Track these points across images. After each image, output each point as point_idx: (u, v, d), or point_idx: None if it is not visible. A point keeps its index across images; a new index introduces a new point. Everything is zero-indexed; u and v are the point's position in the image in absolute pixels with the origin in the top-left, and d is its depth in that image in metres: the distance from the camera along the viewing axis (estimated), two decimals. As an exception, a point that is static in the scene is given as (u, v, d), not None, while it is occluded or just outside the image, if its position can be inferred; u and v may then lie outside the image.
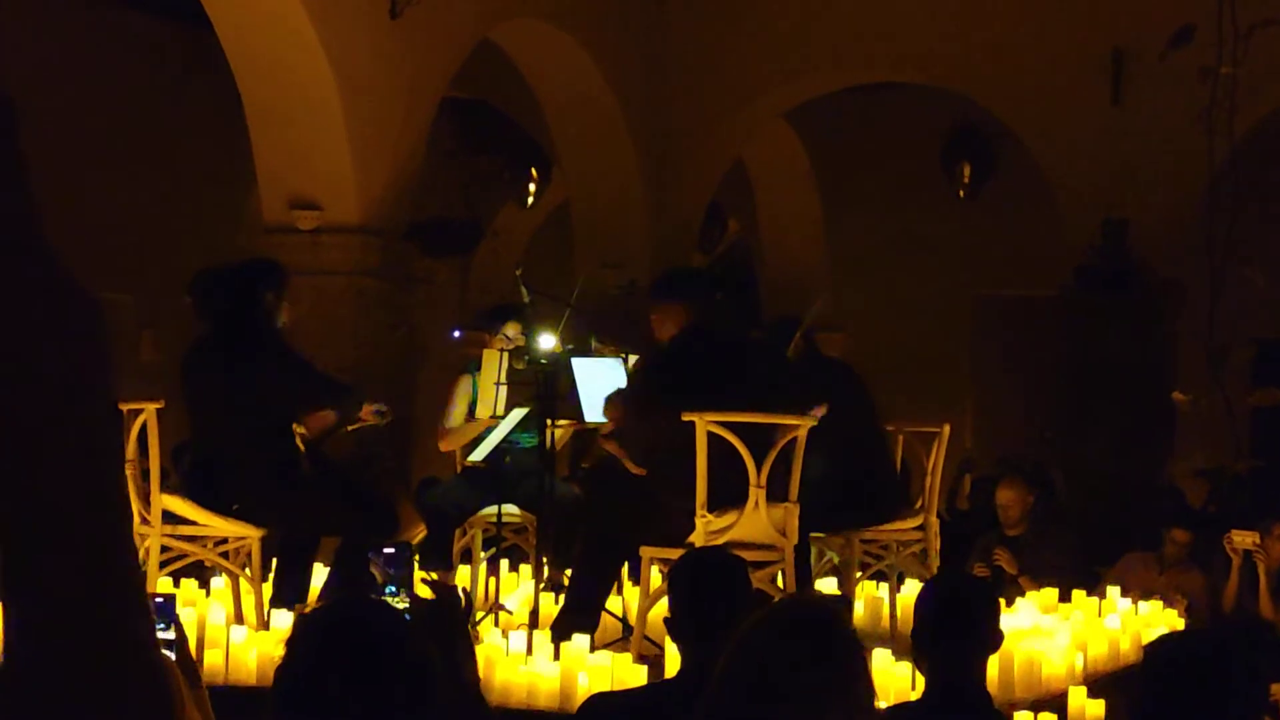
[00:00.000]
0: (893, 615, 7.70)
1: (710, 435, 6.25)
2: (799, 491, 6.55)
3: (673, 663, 5.59)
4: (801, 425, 6.43)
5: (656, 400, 6.49)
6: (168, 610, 4.56)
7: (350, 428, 7.39)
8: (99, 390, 1.39)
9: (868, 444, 7.61)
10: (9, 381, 1.33)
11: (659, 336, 6.76)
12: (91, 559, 1.35)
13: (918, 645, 4.02)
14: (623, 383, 7.10)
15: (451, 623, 3.72)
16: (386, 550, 4.25)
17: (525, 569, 8.35)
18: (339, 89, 10.01)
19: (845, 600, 7.35)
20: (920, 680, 4.11)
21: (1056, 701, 6.28)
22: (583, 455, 10.31)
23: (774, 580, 6.42)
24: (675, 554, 5.64)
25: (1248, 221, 10.57)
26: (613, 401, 6.76)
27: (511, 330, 7.82)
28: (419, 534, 7.27)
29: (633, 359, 7.43)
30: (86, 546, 1.35)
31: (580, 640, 6.19)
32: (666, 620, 4.36)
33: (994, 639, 4.05)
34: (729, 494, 6.32)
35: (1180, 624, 8.19)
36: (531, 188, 15.31)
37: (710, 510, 6.30)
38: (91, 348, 1.38)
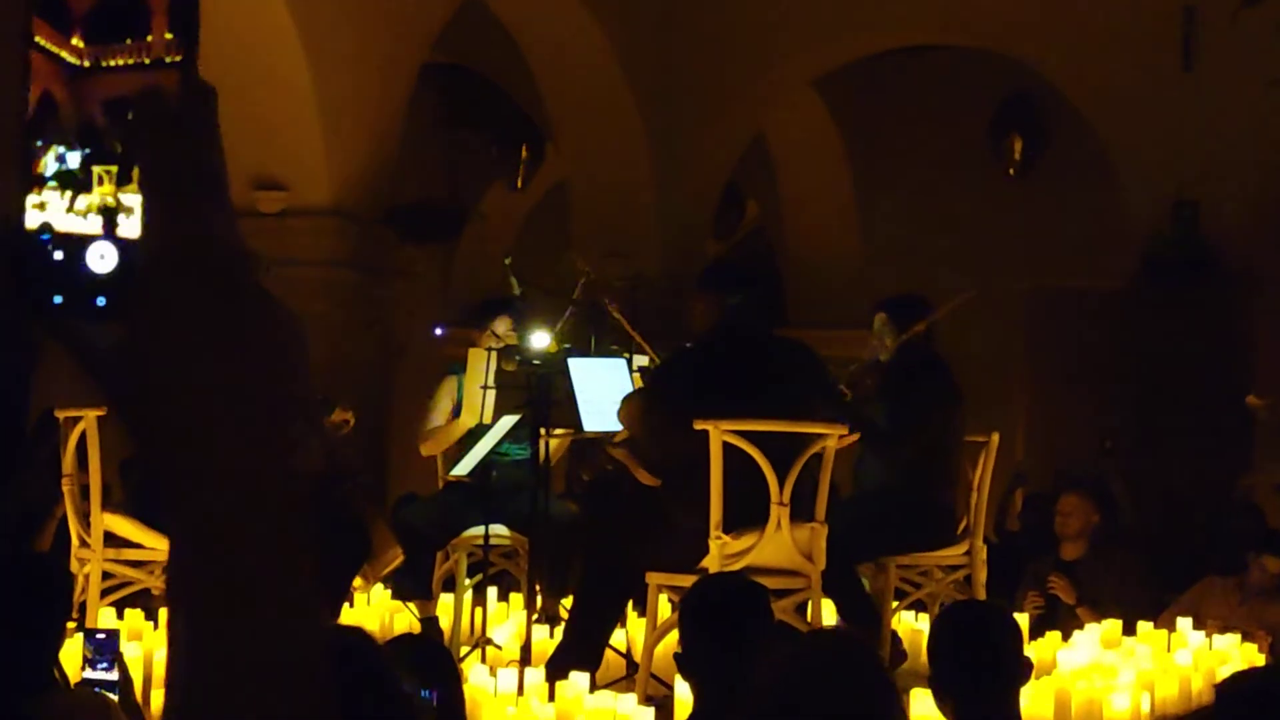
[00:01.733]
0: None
1: (727, 446, 6.25)
2: (848, 505, 6.55)
3: (683, 706, 5.59)
4: (829, 435, 6.44)
5: (670, 405, 6.50)
6: (110, 647, 4.57)
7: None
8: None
9: (942, 463, 7.61)
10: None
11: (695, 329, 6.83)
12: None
13: (938, 686, 4.05)
14: (626, 386, 7.11)
15: (438, 665, 3.73)
16: None
17: (516, 598, 8.35)
18: (306, 55, 10.02)
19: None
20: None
21: (1120, 748, 6.28)
22: (581, 467, 10.32)
23: (799, 610, 6.42)
24: (687, 581, 5.64)
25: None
26: (629, 402, 6.77)
27: (501, 327, 7.82)
28: (395, 560, 7.27)
29: (639, 360, 7.44)
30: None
31: (579, 679, 6.19)
32: (676, 656, 4.36)
33: (1022, 669, 4.08)
34: (748, 513, 6.32)
35: (1261, 661, 8.18)
36: (523, 166, 15.32)
37: (726, 531, 6.30)
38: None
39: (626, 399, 6.79)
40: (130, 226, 1.59)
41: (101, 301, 1.55)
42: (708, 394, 6.44)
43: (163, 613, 7.80)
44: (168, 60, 1.57)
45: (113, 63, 1.60)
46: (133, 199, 1.59)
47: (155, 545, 6.89)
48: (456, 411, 7.87)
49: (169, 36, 1.55)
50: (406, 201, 13.37)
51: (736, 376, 6.54)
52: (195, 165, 1.49)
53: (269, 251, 10.02)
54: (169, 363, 1.42)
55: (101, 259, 1.55)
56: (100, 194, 1.61)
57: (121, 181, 1.60)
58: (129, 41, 1.58)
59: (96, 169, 1.62)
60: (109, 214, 1.60)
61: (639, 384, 7.17)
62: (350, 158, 10.50)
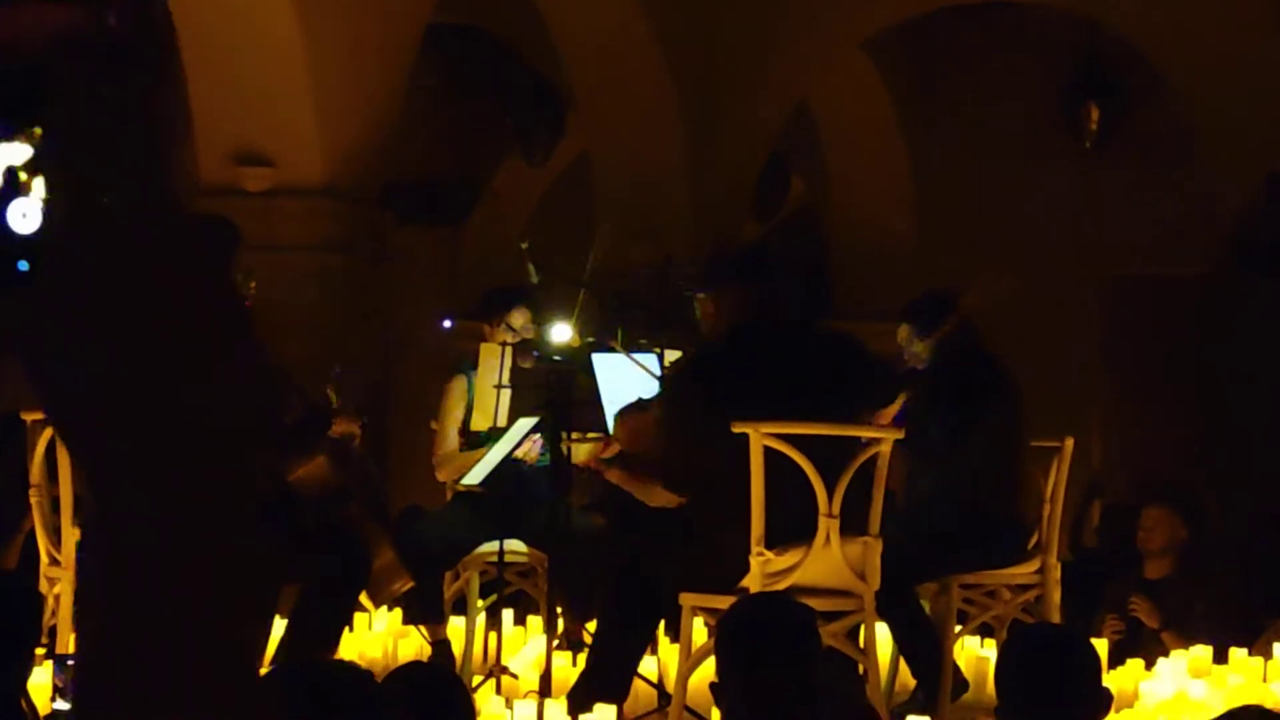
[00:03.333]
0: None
1: (769, 452, 6.24)
2: (905, 517, 6.52)
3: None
4: (885, 438, 6.43)
5: (698, 406, 6.50)
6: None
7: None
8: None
9: (1005, 469, 7.61)
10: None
11: (707, 327, 6.79)
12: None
13: (1006, 719, 4.06)
14: (655, 384, 7.10)
15: (448, 695, 3.76)
16: None
17: (534, 621, 8.36)
18: (296, 13, 10.03)
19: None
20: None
21: (1210, 789, 6.27)
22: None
23: (850, 635, 6.42)
24: (725, 602, 5.65)
25: None
26: (625, 417, 6.77)
27: (518, 320, 7.83)
28: (402, 585, 7.28)
29: (670, 356, 7.43)
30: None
31: (605, 711, 6.20)
32: (713, 686, 4.36)
33: (1100, 701, 4.09)
34: (792, 526, 6.32)
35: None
36: (541, 138, 15.33)
37: (769, 547, 6.30)
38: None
39: (621, 414, 6.79)
40: None
41: (24, 266, 1.54)
42: (741, 393, 6.44)
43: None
44: None
45: None
46: None
47: (131, 563, 6.89)
48: (469, 416, 7.87)
49: None
50: (409, 179, 13.41)
51: (774, 373, 6.53)
52: (123, 124, 1.49)
53: (255, 236, 10.05)
54: (86, 357, 1.41)
55: (24, 218, 1.54)
56: None
57: None
58: None
59: None
60: None
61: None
62: (345, 130, 10.50)
